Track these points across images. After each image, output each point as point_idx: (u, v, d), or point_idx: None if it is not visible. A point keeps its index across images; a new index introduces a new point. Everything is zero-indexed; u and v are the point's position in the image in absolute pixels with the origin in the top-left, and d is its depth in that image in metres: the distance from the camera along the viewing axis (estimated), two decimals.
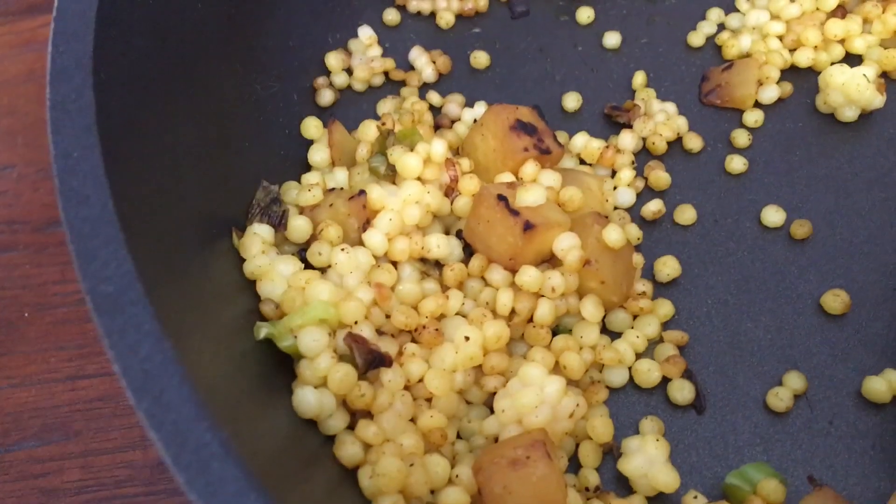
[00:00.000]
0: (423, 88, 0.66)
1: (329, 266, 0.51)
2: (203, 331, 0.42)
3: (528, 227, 0.50)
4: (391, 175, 0.55)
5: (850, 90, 0.60)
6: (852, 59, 0.64)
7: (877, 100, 0.61)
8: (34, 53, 0.82)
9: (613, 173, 0.60)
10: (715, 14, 0.68)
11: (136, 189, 0.42)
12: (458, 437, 0.50)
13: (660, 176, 0.60)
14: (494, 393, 0.49)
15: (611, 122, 0.63)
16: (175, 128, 0.49)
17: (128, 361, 0.34)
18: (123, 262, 0.37)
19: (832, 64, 0.63)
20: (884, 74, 0.63)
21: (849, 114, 0.61)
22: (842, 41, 0.64)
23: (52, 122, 0.41)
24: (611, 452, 0.50)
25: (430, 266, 0.53)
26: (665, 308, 0.54)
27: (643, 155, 0.62)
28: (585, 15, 0.69)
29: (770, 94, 0.63)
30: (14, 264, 0.67)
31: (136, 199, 0.41)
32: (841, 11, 0.65)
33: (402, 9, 0.70)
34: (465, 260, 0.53)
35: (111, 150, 0.40)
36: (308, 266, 0.51)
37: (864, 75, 0.60)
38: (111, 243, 0.37)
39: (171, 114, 0.49)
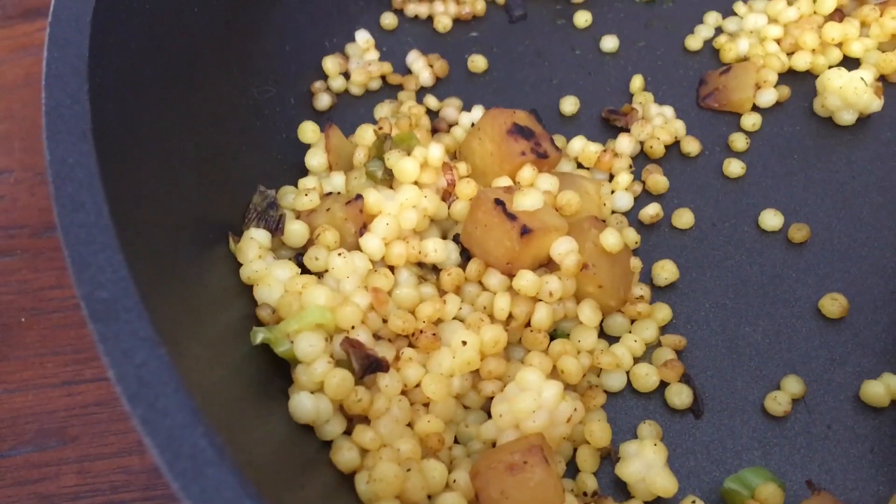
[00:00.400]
0: (421, 92, 0.66)
1: (326, 271, 0.51)
2: (199, 336, 0.42)
3: (525, 231, 0.50)
4: (388, 179, 0.55)
5: (847, 94, 0.60)
6: (850, 63, 0.64)
7: (874, 103, 0.60)
8: (31, 58, 0.82)
9: (611, 177, 0.60)
10: (712, 18, 0.68)
11: (132, 194, 0.42)
12: (456, 441, 0.49)
13: (657, 180, 0.60)
14: (492, 397, 0.49)
15: (608, 126, 0.63)
16: (171, 133, 0.49)
17: (123, 368, 0.34)
18: (119, 269, 0.36)
19: (830, 67, 0.63)
20: (881, 78, 0.63)
21: (847, 117, 0.61)
22: (839, 45, 0.64)
23: (47, 128, 0.40)
24: (609, 457, 0.50)
25: (428, 270, 0.53)
26: (663, 312, 0.54)
27: (641, 159, 0.61)
28: (583, 19, 0.69)
29: (768, 97, 0.63)
30: (11, 269, 0.67)
31: (132, 205, 0.41)
32: (839, 15, 0.65)
33: (399, 13, 0.70)
34: (463, 264, 0.53)
35: (107, 156, 0.40)
36: (305, 271, 0.51)
37: (862, 79, 0.60)
38: (106, 249, 0.37)
39: (167, 119, 0.49)
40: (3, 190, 0.72)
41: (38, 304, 0.65)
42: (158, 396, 0.33)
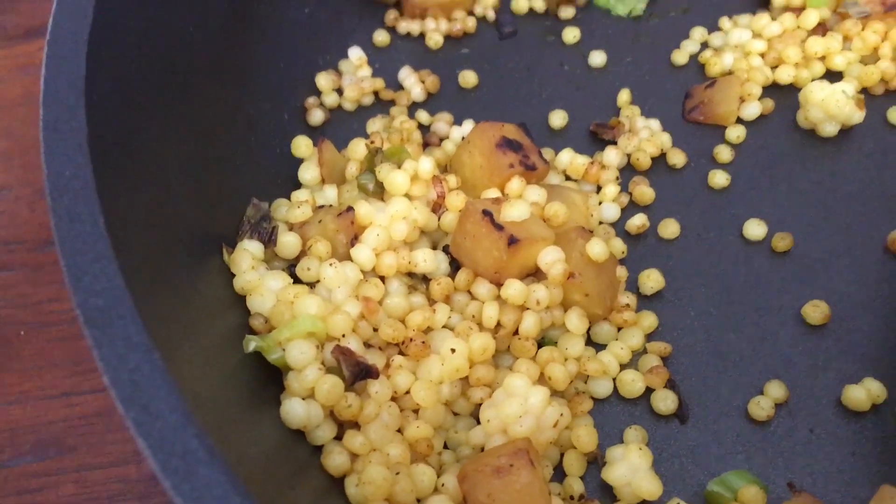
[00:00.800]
0: (413, 107, 0.67)
1: (318, 281, 0.52)
2: (193, 344, 0.43)
3: (512, 241, 0.51)
4: (379, 192, 0.56)
5: (829, 106, 0.61)
6: (833, 76, 0.65)
7: (856, 115, 0.62)
8: (31, 77, 0.83)
9: (598, 189, 0.61)
10: (698, 33, 0.70)
11: (128, 206, 0.43)
12: (446, 447, 0.50)
13: (644, 191, 0.61)
14: (481, 404, 0.50)
15: (596, 139, 0.65)
16: (167, 147, 0.50)
17: (116, 372, 0.35)
18: (113, 277, 0.38)
19: (813, 80, 0.65)
20: (863, 90, 0.65)
21: (829, 129, 0.62)
22: (822, 58, 0.66)
23: (44, 142, 0.42)
24: (595, 461, 0.51)
25: (418, 280, 0.54)
26: (649, 320, 0.55)
27: (628, 170, 0.63)
28: (571, 35, 0.70)
29: (752, 110, 0.64)
30: (10, 283, 0.68)
31: (128, 217, 0.42)
32: (821, 29, 0.67)
33: (391, 30, 0.72)
34: (452, 274, 0.54)
35: (103, 169, 0.41)
36: (297, 281, 0.52)
37: (844, 91, 0.61)
38: (101, 259, 0.38)
39: (162, 133, 0.50)
40: (2, 206, 0.74)
41: (37, 318, 0.66)
42: (151, 399, 0.34)
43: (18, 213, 0.73)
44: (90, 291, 0.37)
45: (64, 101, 0.43)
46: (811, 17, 0.66)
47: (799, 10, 0.68)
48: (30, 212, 0.73)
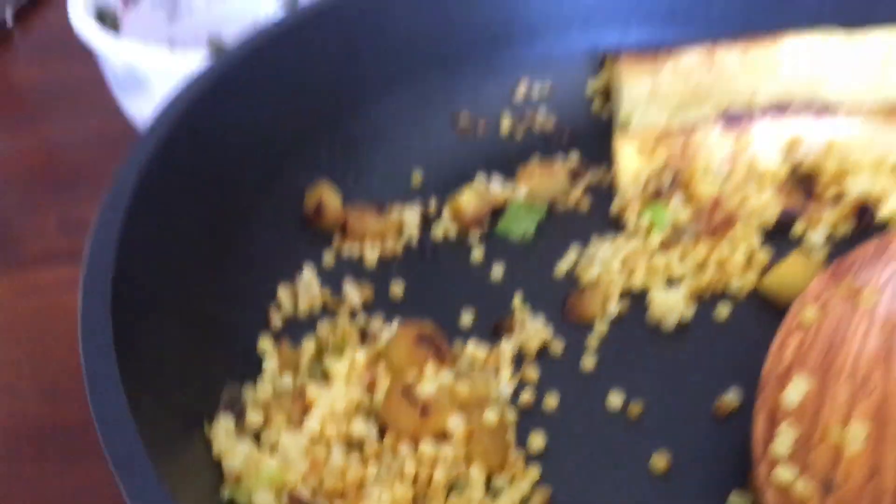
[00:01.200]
0: (353, 312, 0.84)
1: (277, 445, 0.68)
2: (186, 489, 0.58)
3: (424, 412, 0.68)
4: (326, 377, 0.73)
5: (669, 306, 0.81)
6: (672, 282, 0.85)
7: (689, 312, 0.81)
8: (38, 298, 1.00)
9: (497, 371, 0.78)
10: (574, 251, 0.89)
11: (139, 390, 0.59)
12: None
13: (531, 373, 0.78)
14: None
15: (496, 333, 0.82)
16: (163, 348, 0.67)
17: (137, 499, 0.51)
18: (132, 436, 0.54)
19: (657, 285, 0.84)
20: (696, 293, 0.84)
21: (669, 323, 0.81)
22: (665, 268, 0.86)
23: (83, 346, 0.59)
24: None
25: (354, 444, 0.70)
26: (533, 473, 0.70)
27: (519, 357, 0.80)
28: (477, 254, 0.89)
29: (612, 309, 0.82)
30: (19, 468, 0.83)
31: (139, 397, 0.58)
32: (665, 246, 0.87)
33: (337, 252, 0.90)
34: (380, 438, 0.70)
35: (123, 364, 0.58)
36: (261, 445, 0.68)
37: (679, 294, 0.81)
38: (125, 423, 0.54)
39: (160, 338, 0.67)
40: (12, 404, 0.89)
41: (42, 495, 0.80)
42: None
43: (27, 410, 0.88)
44: (115, 443, 0.53)
45: (96, 318, 0.60)
46: (655, 238, 0.87)
47: (647, 232, 0.89)
48: (37, 407, 0.88)
